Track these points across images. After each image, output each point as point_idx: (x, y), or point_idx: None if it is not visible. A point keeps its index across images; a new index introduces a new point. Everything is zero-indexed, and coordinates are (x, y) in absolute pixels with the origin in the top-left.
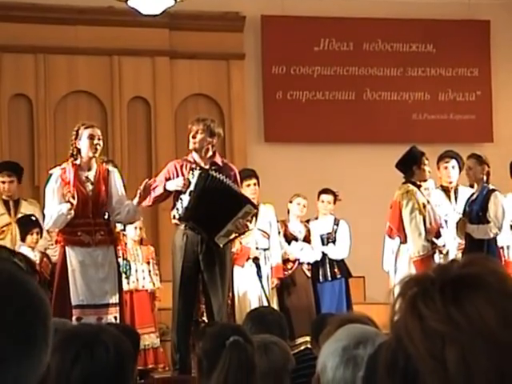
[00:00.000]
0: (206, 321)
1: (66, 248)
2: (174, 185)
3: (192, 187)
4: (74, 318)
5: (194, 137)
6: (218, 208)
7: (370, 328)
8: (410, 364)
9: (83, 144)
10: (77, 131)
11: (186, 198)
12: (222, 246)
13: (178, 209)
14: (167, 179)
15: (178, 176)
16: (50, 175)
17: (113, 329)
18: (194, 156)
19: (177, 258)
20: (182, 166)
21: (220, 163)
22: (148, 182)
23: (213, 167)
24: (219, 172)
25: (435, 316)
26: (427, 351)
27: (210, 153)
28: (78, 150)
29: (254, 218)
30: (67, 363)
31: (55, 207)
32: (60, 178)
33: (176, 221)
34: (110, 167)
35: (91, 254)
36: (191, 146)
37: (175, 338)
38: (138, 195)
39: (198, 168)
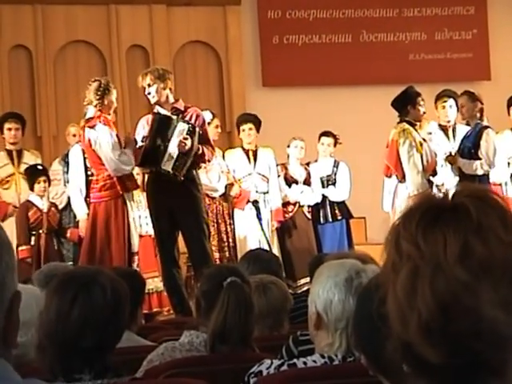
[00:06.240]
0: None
1: (125, 196)
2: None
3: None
4: (135, 264)
5: (149, 92)
6: (166, 143)
7: (356, 261)
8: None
9: (111, 101)
10: (109, 86)
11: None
12: (170, 170)
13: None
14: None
15: None
16: (93, 127)
17: (109, 271)
18: (158, 108)
19: (153, 210)
20: (148, 120)
21: (181, 108)
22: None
23: (174, 112)
24: (180, 116)
25: (406, 236)
26: (391, 262)
27: (172, 99)
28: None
29: (254, 160)
30: (66, 305)
31: (124, 152)
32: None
33: (143, 169)
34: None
35: (139, 196)
36: (152, 101)
37: (166, 283)
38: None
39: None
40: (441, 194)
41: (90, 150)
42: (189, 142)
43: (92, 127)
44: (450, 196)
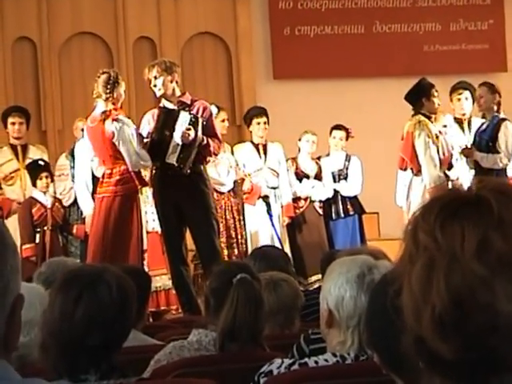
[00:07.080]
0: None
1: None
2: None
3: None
4: (146, 261)
5: (154, 85)
6: (172, 133)
7: (368, 257)
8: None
9: (120, 93)
10: (118, 78)
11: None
12: (175, 163)
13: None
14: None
15: None
16: (116, 119)
17: (115, 268)
18: (164, 102)
19: (159, 205)
20: (153, 115)
21: (188, 101)
22: None
23: (180, 107)
24: (186, 109)
25: (424, 227)
26: (408, 253)
27: (178, 92)
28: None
29: (264, 155)
30: (70, 303)
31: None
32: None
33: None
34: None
35: (146, 192)
36: (158, 94)
37: (174, 281)
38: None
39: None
40: (465, 188)
41: (108, 143)
42: (192, 133)
43: (116, 119)
44: (474, 189)
